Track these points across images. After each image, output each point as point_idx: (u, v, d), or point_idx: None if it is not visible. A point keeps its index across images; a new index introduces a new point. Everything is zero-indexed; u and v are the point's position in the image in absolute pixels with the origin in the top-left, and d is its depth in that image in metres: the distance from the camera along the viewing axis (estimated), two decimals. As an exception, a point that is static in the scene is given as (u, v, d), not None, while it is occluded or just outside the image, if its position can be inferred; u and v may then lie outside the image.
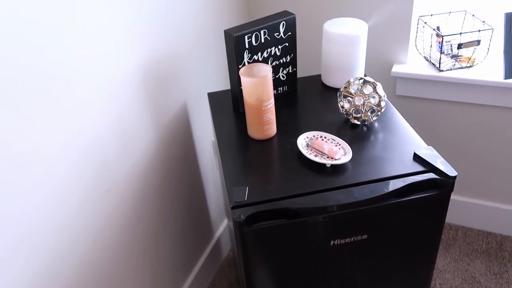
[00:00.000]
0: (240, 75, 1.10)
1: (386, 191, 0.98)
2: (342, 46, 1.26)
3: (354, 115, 1.15)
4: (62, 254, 0.98)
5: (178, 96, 1.36)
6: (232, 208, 0.97)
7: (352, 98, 1.14)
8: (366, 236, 1.03)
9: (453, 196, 1.82)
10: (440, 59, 1.48)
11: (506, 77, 1.42)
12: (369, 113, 1.14)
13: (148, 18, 1.16)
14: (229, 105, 1.34)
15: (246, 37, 1.18)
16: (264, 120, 1.14)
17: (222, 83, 1.64)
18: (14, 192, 0.84)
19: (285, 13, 1.24)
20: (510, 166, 1.66)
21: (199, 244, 1.64)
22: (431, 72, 1.51)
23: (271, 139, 1.18)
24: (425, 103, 1.63)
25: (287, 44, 1.27)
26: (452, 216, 1.87)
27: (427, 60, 1.57)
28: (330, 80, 1.35)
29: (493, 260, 1.72)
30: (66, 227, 0.98)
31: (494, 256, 1.74)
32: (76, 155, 0.98)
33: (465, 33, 1.44)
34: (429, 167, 1.01)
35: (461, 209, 1.83)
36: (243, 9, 1.69)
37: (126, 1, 1.06)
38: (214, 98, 1.38)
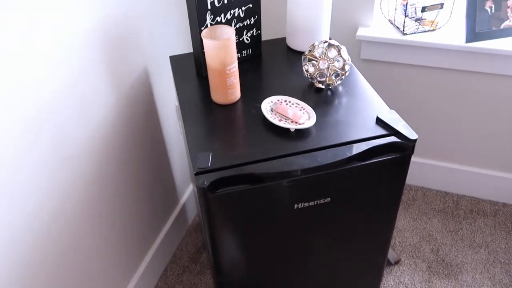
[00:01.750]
0: (202, 37, 1.06)
1: (348, 155, 0.99)
2: (307, 8, 1.24)
3: (318, 78, 1.14)
4: (20, 229, 0.95)
5: (139, 60, 1.31)
6: (196, 174, 0.96)
7: (316, 61, 1.13)
8: (329, 199, 1.04)
9: (413, 158, 1.87)
10: (404, 22, 1.48)
11: (468, 40, 1.44)
12: (333, 77, 1.13)
13: (103, -25, 1.09)
14: (192, 69, 1.30)
15: (208, -3, 1.13)
16: (228, 85, 1.12)
17: (185, 46, 1.59)
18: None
19: (249, -27, 1.20)
20: (468, 128, 1.71)
21: (164, 210, 1.63)
22: (395, 35, 1.51)
23: (235, 103, 1.16)
24: (390, 66, 1.64)
25: (250, 5, 1.23)
26: (412, 177, 1.93)
27: (392, 24, 1.57)
28: (295, 43, 1.33)
29: (449, 219, 1.80)
30: (23, 200, 0.95)
31: (450, 214, 1.82)
32: (26, 120, 0.93)
33: (429, -4, 1.44)
34: (391, 130, 1.03)
35: (421, 170, 1.88)
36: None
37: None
38: (177, 61, 1.34)
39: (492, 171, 1.79)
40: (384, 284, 1.59)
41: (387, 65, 1.64)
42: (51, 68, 0.97)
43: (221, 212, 1.00)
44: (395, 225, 1.78)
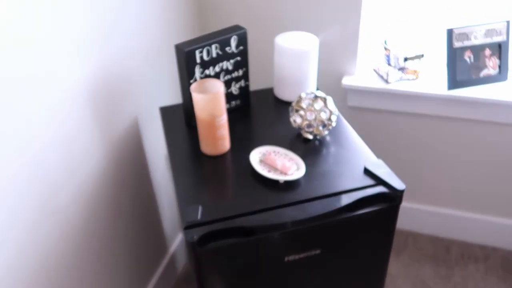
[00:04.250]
0: (191, 91, 1.08)
1: (338, 206, 0.99)
2: (294, 60, 1.27)
3: (306, 129, 1.16)
4: (8, 280, 0.93)
5: (129, 111, 1.32)
6: (185, 228, 0.95)
7: (304, 112, 1.15)
8: (319, 250, 1.04)
9: (402, 203, 1.88)
10: (388, 72, 1.53)
11: (449, 88, 1.49)
12: (320, 128, 1.15)
13: (95, 30, 1.12)
14: (181, 120, 1.32)
15: (197, 51, 1.16)
16: (217, 136, 1.13)
17: (175, 97, 1.62)
18: None
19: (237, 28, 1.24)
20: (455, 172, 1.73)
21: (153, 260, 1.60)
22: (380, 84, 1.56)
23: (224, 154, 1.17)
24: (375, 113, 1.67)
25: (239, 58, 1.26)
26: (402, 222, 1.93)
27: (376, 72, 1.62)
28: (283, 93, 1.36)
29: (441, 265, 1.79)
30: (9, 253, 0.93)
31: (441, 260, 1.81)
32: (14, 174, 0.93)
33: (411, 47, 1.50)
34: (379, 181, 1.04)
35: (411, 215, 1.89)
36: (195, 23, 1.68)
37: (71, 15, 1.02)
38: (167, 112, 1.36)
39: (481, 215, 1.80)
40: (378, 334, 1.55)
41: (373, 112, 1.67)
42: (41, 120, 0.98)
43: (211, 266, 0.98)
44: (388, 272, 1.77)
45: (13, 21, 0.87)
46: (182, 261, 1.84)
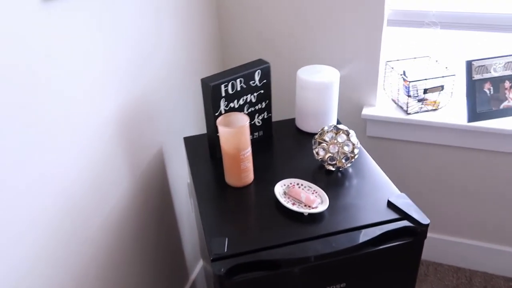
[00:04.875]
0: (217, 125, 1.11)
1: (362, 240, 1.00)
2: (315, 93, 1.30)
3: (329, 162, 1.18)
4: (35, 313, 0.95)
5: (154, 141, 1.36)
6: (212, 260, 0.97)
7: (327, 145, 1.17)
8: (345, 284, 1.04)
9: (423, 232, 1.87)
10: (407, 103, 1.55)
11: (469, 120, 1.50)
12: (343, 160, 1.17)
13: (131, 63, 1.17)
14: (205, 150, 1.35)
15: (222, 85, 1.20)
16: (242, 168, 1.15)
17: (198, 127, 1.65)
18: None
19: (260, 62, 1.28)
20: (476, 203, 1.72)
21: (176, 287, 1.61)
22: (399, 115, 1.58)
23: (248, 186, 1.19)
24: (394, 143, 1.68)
25: (262, 91, 1.30)
26: (423, 252, 1.91)
27: (395, 103, 1.64)
28: (304, 125, 1.39)
29: (464, 295, 1.77)
30: (41, 283, 0.95)
31: (464, 291, 1.79)
32: (49, 204, 0.96)
33: (430, 78, 1.52)
34: (403, 214, 1.05)
35: (432, 245, 1.87)
36: (217, 56, 1.73)
37: (104, 52, 1.07)
38: (190, 142, 1.39)
39: (504, 246, 1.78)
40: None
41: (392, 142, 1.68)
42: (73, 151, 1.01)
43: (236, 299, 0.99)
44: (408, 303, 1.75)
45: (56, 53, 0.92)
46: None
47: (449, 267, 1.89)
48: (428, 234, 1.86)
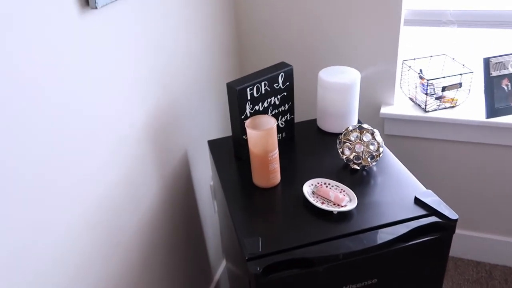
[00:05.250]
0: (246, 127, 1.14)
1: (392, 237, 1.02)
2: (338, 94, 1.33)
3: (354, 161, 1.21)
4: (78, 315, 0.98)
5: (179, 145, 1.39)
6: (248, 260, 0.99)
7: (352, 145, 1.19)
8: (376, 280, 1.07)
9: (442, 228, 1.89)
10: (426, 101, 1.57)
11: (488, 116, 1.52)
12: (369, 159, 1.20)
13: (157, 69, 1.20)
14: (229, 152, 1.37)
15: (248, 89, 1.23)
16: (270, 170, 1.18)
17: (220, 131, 1.68)
18: (29, 249, 0.84)
19: (283, 65, 1.31)
20: (495, 198, 1.74)
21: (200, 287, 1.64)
22: (418, 113, 1.60)
23: (275, 187, 1.21)
24: (413, 141, 1.71)
25: (285, 93, 1.32)
26: (442, 247, 1.93)
27: (413, 101, 1.66)
28: (326, 125, 1.41)
29: (485, 289, 1.79)
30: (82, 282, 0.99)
31: (485, 285, 1.80)
32: (87, 209, 0.99)
33: (448, 76, 1.54)
34: (431, 211, 1.07)
35: (452, 240, 1.89)
36: (237, 62, 1.76)
37: (133, 61, 1.10)
38: (215, 145, 1.42)
39: (523, 239, 1.80)
40: None
41: (411, 140, 1.71)
42: (111, 160, 1.05)
43: (271, 297, 1.02)
44: (430, 298, 1.77)
45: (86, 62, 0.95)
46: (225, 289, 1.87)
47: (469, 261, 1.91)
48: (447, 230, 1.88)
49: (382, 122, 1.71)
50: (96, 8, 0.91)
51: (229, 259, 1.55)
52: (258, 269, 0.97)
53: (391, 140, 1.73)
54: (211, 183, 1.65)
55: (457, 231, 1.87)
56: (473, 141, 1.61)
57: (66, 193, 0.91)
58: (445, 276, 1.85)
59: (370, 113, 1.71)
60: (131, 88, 1.10)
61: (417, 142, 1.70)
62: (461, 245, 1.89)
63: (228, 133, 1.78)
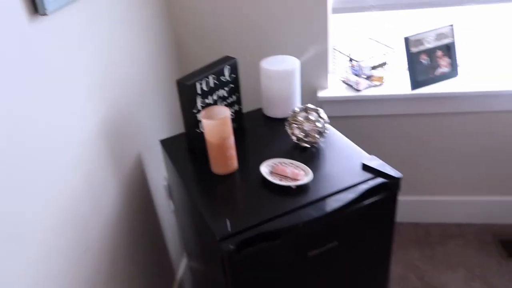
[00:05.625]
0: (201, 119, 1.20)
1: (347, 200, 1.13)
2: (280, 81, 1.42)
3: (304, 139, 1.31)
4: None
5: (132, 149, 1.41)
6: (220, 240, 1.05)
7: (301, 124, 1.29)
8: (337, 242, 1.17)
9: (383, 197, 2.06)
10: (357, 81, 1.72)
11: (413, 88, 1.69)
12: (317, 136, 1.30)
13: (100, 81, 1.22)
14: (183, 148, 1.42)
15: (197, 84, 1.29)
16: (227, 156, 1.25)
17: (169, 130, 1.72)
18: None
19: (227, 58, 1.38)
20: (426, 161, 1.94)
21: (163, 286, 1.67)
22: (351, 93, 1.74)
23: (234, 173, 1.28)
24: (350, 120, 1.85)
25: (232, 85, 1.39)
26: (385, 215, 2.10)
27: (346, 83, 1.81)
28: (272, 111, 1.50)
29: (424, 246, 1.98)
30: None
31: (424, 242, 2.00)
32: (51, 216, 1.00)
33: (374, 57, 1.70)
34: (377, 173, 1.19)
35: (392, 207, 2.07)
36: (180, 62, 1.80)
37: (82, 67, 1.12)
38: (167, 143, 1.46)
39: (453, 196, 2.01)
40: (385, 318, 1.70)
41: (347, 119, 1.85)
42: (71, 165, 1.06)
43: (244, 271, 1.09)
44: (381, 261, 1.93)
45: (36, 69, 0.96)
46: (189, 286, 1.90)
47: (408, 223, 2.10)
48: (388, 198, 2.06)
49: (321, 106, 1.84)
50: (46, 14, 0.92)
51: (192, 254, 1.59)
52: (231, 246, 1.03)
53: (331, 122, 1.87)
54: (165, 183, 1.68)
55: (396, 198, 2.05)
56: (402, 112, 1.78)
57: (32, 201, 0.92)
58: (391, 240, 2.02)
59: (309, 98, 1.83)
60: (83, 94, 1.12)
61: (352, 120, 1.85)
62: (400, 209, 2.07)
63: (178, 130, 1.82)
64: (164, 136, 1.70)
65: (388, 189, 1.18)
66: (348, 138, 1.77)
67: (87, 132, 1.13)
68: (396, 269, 1.88)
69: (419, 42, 1.65)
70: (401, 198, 2.04)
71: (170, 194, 1.67)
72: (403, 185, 2.01)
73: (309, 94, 1.82)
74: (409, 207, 2.06)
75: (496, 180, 1.95)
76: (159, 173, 1.64)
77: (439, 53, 1.70)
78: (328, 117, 1.84)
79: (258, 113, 1.56)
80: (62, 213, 1.02)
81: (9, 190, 0.84)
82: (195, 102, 1.31)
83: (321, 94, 1.76)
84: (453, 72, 1.73)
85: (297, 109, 1.31)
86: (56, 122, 1.00)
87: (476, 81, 1.72)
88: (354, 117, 1.84)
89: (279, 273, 1.15)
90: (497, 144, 1.86)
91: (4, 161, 0.82)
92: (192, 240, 1.48)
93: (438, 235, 2.02)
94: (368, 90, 1.74)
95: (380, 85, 1.76)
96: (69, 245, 1.04)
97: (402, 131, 1.86)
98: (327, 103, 1.80)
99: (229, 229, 1.08)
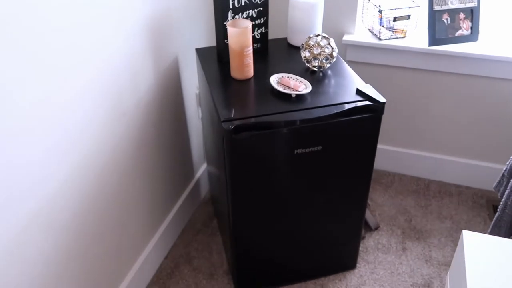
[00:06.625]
0: (227, 26, 1.43)
1: (335, 111, 1.34)
2: (304, 12, 1.62)
3: (312, 62, 1.51)
4: (84, 164, 1.28)
5: (171, 50, 1.67)
6: (223, 121, 1.30)
7: (311, 48, 1.49)
8: (321, 147, 1.39)
9: (390, 147, 2.23)
10: (380, 30, 1.87)
11: (430, 44, 1.83)
12: (324, 60, 1.50)
13: (154, -20, 1.47)
14: (213, 58, 1.66)
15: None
16: (245, 63, 1.47)
17: (206, 41, 1.96)
18: (53, 118, 1.14)
19: (261, -17, 1.58)
20: (435, 120, 2.08)
21: (183, 181, 1.95)
22: (374, 40, 1.90)
23: (249, 79, 1.51)
24: (369, 67, 2.01)
25: (261, 8, 1.61)
26: (390, 164, 2.27)
27: (371, 32, 1.96)
28: (294, 40, 1.71)
29: (421, 197, 2.14)
30: (90, 143, 1.28)
31: (422, 194, 2.16)
32: (98, 85, 1.28)
33: (399, 8, 1.84)
34: (367, 97, 1.38)
35: (397, 158, 2.23)
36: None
37: (140, -35, 1.37)
38: (201, 52, 1.70)
39: (458, 158, 2.15)
40: (365, 244, 1.91)
41: (367, 66, 2.02)
42: (117, 48, 1.33)
43: (240, 152, 1.33)
44: (376, 201, 2.12)
45: (107, -38, 1.22)
46: (204, 189, 2.19)
47: (411, 177, 2.26)
48: (391, 148, 2.22)
49: (345, 49, 2.01)
50: None
51: (209, 157, 1.86)
52: (230, 126, 1.28)
53: (351, 66, 2.04)
54: (197, 91, 1.94)
55: (402, 149, 2.21)
56: (417, 67, 1.93)
57: (82, 73, 1.19)
58: (390, 187, 2.20)
59: (335, 41, 2.01)
60: (136, -13, 1.38)
61: (372, 67, 2.01)
62: (405, 162, 2.23)
63: (213, 43, 2.05)
64: (200, 46, 1.95)
65: (373, 111, 1.37)
66: (366, 83, 1.94)
67: (135, 21, 1.39)
68: (389, 210, 2.07)
69: (442, 1, 1.77)
70: (407, 151, 2.20)
71: (200, 103, 1.93)
72: (410, 138, 2.17)
73: (336, 37, 1.99)
74: (414, 161, 2.21)
75: (501, 148, 2.06)
76: (192, 82, 1.90)
77: (462, 15, 1.81)
78: (350, 61, 2.02)
79: (283, 41, 1.77)
80: (104, 77, 1.29)
81: (71, 63, 1.11)
82: (227, 16, 1.53)
83: (347, 37, 1.94)
84: (473, 36, 1.84)
85: (311, 35, 1.51)
86: (112, 8, 1.26)
87: (494, 47, 1.82)
88: (373, 65, 2.00)
89: (269, 162, 1.38)
90: (506, 113, 1.96)
91: (67, 39, 1.09)
92: (209, 136, 1.74)
93: (437, 191, 2.17)
94: (388, 40, 1.89)
95: (402, 37, 1.91)
96: (107, 106, 1.32)
97: (414, 85, 2.00)
98: (350, 47, 1.97)
99: (232, 115, 1.32)
